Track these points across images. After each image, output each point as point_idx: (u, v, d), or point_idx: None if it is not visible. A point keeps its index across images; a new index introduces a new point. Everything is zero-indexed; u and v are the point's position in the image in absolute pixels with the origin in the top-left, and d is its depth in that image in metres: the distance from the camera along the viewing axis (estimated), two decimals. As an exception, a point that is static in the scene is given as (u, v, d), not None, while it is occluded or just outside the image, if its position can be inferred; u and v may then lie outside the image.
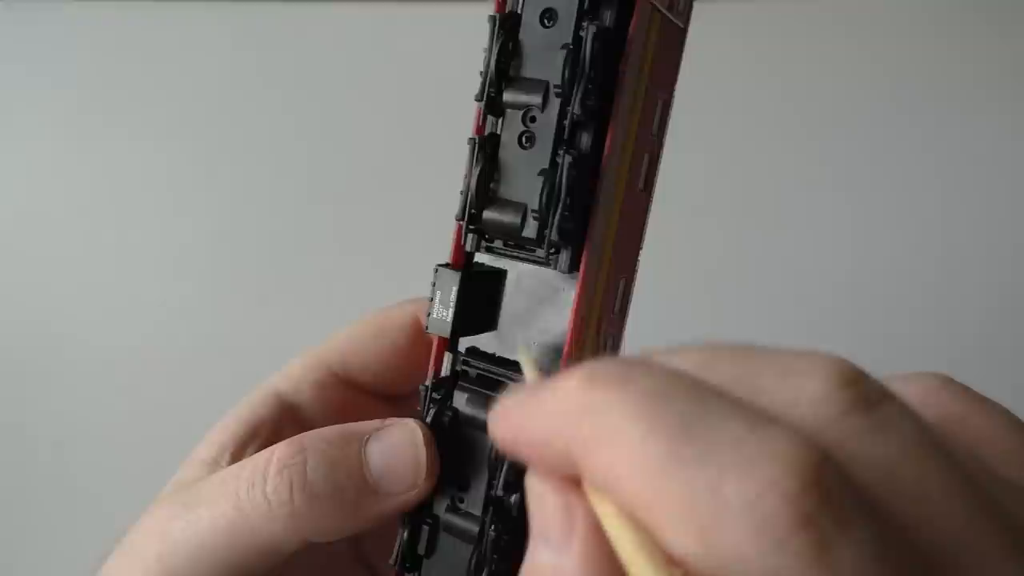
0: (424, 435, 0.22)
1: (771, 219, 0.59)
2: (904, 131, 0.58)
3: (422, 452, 0.22)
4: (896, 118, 0.58)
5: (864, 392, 0.12)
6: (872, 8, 0.58)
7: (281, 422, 0.26)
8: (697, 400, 0.12)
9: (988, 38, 0.57)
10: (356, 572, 0.28)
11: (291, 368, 0.28)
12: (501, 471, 0.22)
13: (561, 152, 0.21)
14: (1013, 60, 0.56)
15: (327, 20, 0.64)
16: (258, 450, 0.24)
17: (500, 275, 0.25)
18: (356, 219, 0.64)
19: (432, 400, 0.24)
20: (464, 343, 0.25)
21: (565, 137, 0.21)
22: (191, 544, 0.22)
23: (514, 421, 0.14)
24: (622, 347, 0.25)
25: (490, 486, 0.22)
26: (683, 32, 0.24)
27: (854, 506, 0.10)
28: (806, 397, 0.12)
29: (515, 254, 0.23)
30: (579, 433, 0.13)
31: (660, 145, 0.24)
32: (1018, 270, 0.57)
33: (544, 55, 0.21)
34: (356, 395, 0.28)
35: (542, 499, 0.14)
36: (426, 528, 0.23)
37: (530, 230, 0.21)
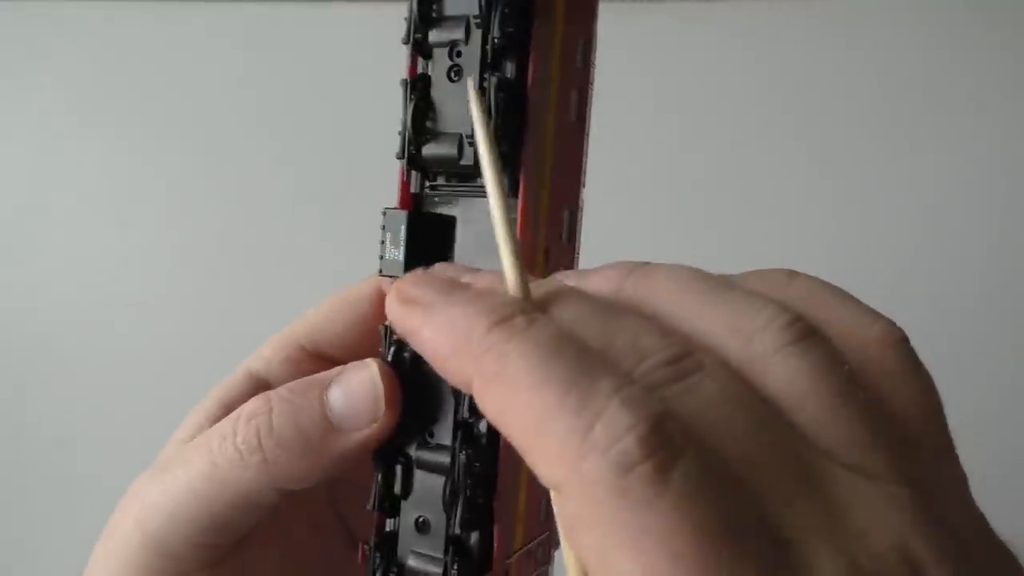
0: (382, 370, 0.23)
1: (771, 218, 0.59)
2: (903, 131, 0.58)
3: (380, 386, 0.22)
4: (895, 118, 0.58)
5: (686, 360, 0.15)
6: (871, 7, 0.58)
7: None
8: (582, 356, 0.15)
9: (988, 38, 0.57)
10: (338, 538, 0.29)
11: (262, 348, 0.28)
12: (466, 396, 0.22)
13: (487, 76, 0.22)
14: (1013, 60, 0.56)
15: (327, 20, 0.64)
16: None
17: (449, 221, 0.25)
18: (357, 219, 0.64)
19: (392, 340, 0.24)
20: None
21: (489, 61, 0.22)
22: (169, 504, 0.23)
23: (420, 319, 0.18)
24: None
25: (456, 411, 0.23)
26: None
27: (685, 444, 0.14)
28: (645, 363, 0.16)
29: (460, 189, 0.24)
30: (481, 366, 0.16)
31: (587, 80, 0.25)
32: (1018, 270, 0.57)
33: None
34: (327, 368, 0.28)
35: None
36: (399, 467, 0.23)
37: (467, 157, 0.22)
